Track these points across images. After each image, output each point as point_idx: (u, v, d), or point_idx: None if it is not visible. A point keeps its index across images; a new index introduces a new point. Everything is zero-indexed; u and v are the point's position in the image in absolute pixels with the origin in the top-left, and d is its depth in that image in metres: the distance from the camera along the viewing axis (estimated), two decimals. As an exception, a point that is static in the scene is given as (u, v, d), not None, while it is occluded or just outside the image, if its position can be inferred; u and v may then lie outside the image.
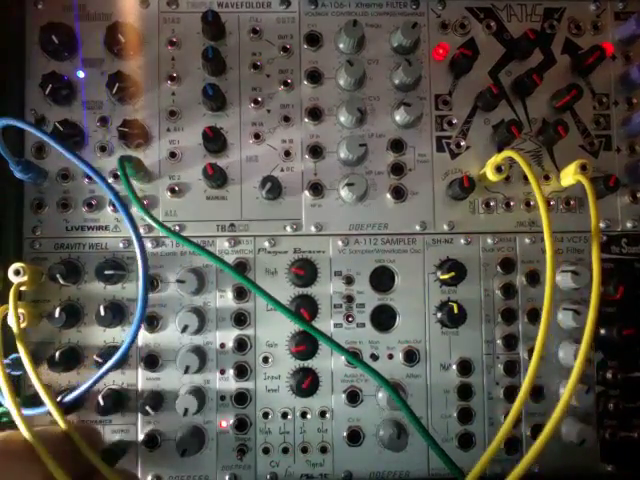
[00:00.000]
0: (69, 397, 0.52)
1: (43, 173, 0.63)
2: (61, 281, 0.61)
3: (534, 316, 0.65)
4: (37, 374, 0.50)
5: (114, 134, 0.64)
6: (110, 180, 0.65)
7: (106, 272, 0.62)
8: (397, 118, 0.65)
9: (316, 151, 0.66)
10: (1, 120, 0.50)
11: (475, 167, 0.67)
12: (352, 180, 0.63)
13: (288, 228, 0.65)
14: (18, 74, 0.65)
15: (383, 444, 0.63)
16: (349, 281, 0.65)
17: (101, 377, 0.51)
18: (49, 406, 0.48)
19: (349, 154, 0.62)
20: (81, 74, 0.65)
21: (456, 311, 0.62)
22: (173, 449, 0.62)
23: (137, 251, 0.49)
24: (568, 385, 0.46)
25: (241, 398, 0.64)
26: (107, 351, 0.62)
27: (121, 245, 0.65)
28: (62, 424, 0.47)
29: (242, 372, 0.64)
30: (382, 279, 0.66)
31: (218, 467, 0.64)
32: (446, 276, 0.63)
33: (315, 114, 0.66)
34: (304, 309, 0.62)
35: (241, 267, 0.65)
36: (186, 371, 0.61)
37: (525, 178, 0.65)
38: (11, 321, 0.59)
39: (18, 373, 0.60)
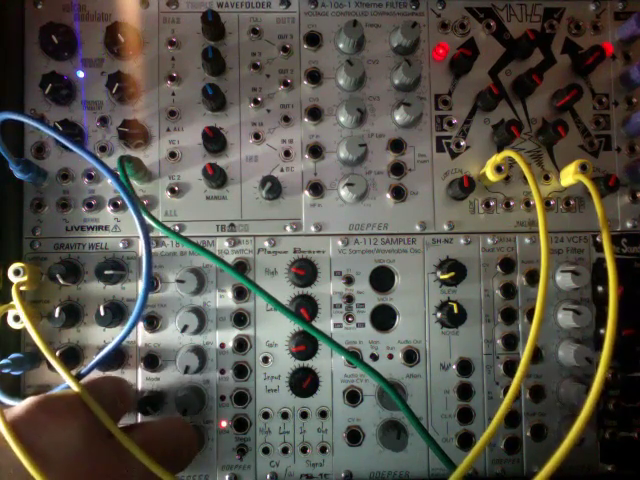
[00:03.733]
0: (85, 369, 0.52)
1: (43, 173, 0.63)
2: (61, 281, 0.61)
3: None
4: (56, 358, 0.49)
5: (114, 134, 0.64)
6: (109, 181, 0.65)
7: (106, 272, 0.62)
8: (397, 118, 0.65)
9: (316, 151, 0.66)
10: (1, 114, 0.49)
11: (475, 167, 0.67)
12: (352, 180, 0.63)
13: (288, 228, 0.65)
14: (18, 74, 0.65)
15: (383, 444, 0.63)
16: (349, 281, 0.65)
17: (118, 344, 0.51)
18: (67, 380, 0.48)
19: (349, 154, 0.62)
20: (81, 74, 0.65)
21: (456, 311, 0.62)
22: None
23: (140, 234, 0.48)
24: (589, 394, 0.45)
25: (241, 398, 0.64)
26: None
27: (121, 245, 0.65)
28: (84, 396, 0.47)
29: (242, 372, 0.64)
30: (382, 279, 0.66)
31: (218, 467, 0.64)
32: (446, 276, 0.62)
33: (315, 114, 0.66)
34: (304, 309, 0.62)
35: (241, 267, 0.65)
36: (186, 371, 0.61)
37: (525, 178, 0.65)
38: (12, 320, 0.59)
39: (18, 373, 0.60)
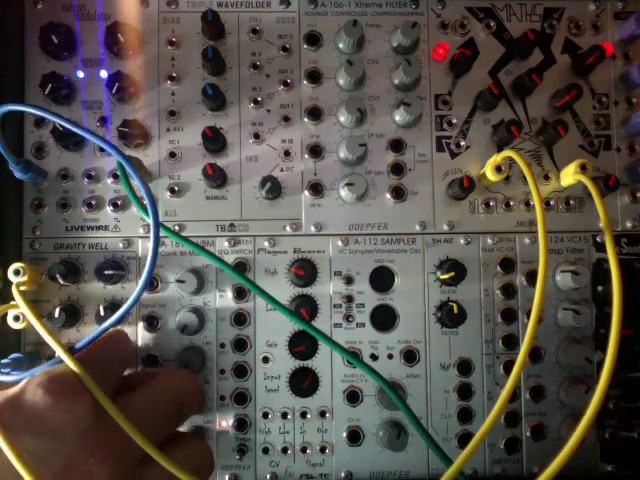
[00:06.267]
0: (80, 343, 0.50)
1: (43, 173, 0.63)
2: (61, 281, 0.61)
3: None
4: (58, 342, 0.48)
5: (114, 134, 0.64)
6: (109, 180, 0.65)
7: (106, 272, 0.62)
8: (397, 118, 0.65)
9: (316, 151, 0.66)
10: (2, 107, 0.48)
11: (475, 167, 0.67)
12: (352, 180, 0.63)
13: (288, 228, 0.65)
14: (18, 74, 0.65)
15: (383, 444, 0.63)
16: (349, 281, 0.65)
17: (117, 322, 0.49)
18: (68, 361, 0.47)
19: (349, 154, 0.62)
20: (81, 74, 0.65)
21: (456, 311, 0.62)
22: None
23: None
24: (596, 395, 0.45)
25: (241, 398, 0.64)
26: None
27: (121, 245, 0.65)
28: (76, 369, 0.46)
29: (242, 372, 0.64)
30: (382, 279, 0.66)
31: (218, 467, 0.64)
32: (446, 276, 0.63)
33: (315, 114, 0.66)
34: (304, 309, 0.62)
35: (241, 267, 0.65)
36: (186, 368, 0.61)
37: (525, 178, 0.65)
38: (11, 320, 0.59)
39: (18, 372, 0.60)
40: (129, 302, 0.47)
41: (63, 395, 0.44)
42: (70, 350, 0.48)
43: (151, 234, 0.45)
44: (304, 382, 0.63)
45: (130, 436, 0.44)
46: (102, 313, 0.61)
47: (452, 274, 0.62)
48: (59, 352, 0.46)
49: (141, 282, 0.47)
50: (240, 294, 0.64)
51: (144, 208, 0.55)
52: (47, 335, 0.48)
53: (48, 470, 0.41)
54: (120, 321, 0.49)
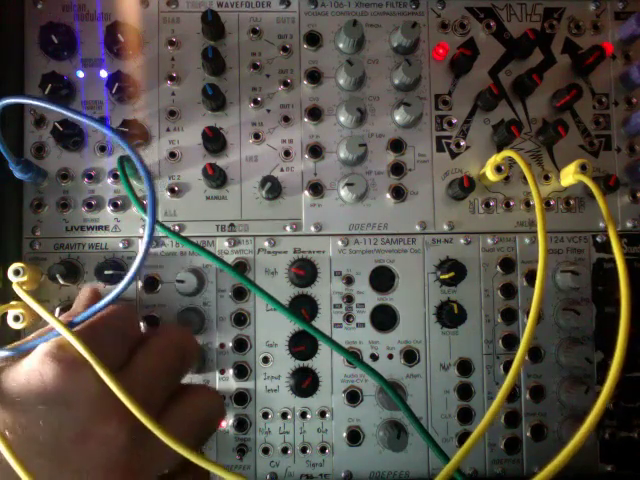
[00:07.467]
0: (80, 317, 0.49)
1: (43, 173, 0.63)
2: (61, 281, 0.61)
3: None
4: (60, 322, 0.46)
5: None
6: (109, 180, 0.65)
7: (106, 272, 0.62)
8: (397, 118, 0.65)
9: (316, 151, 0.66)
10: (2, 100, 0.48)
11: (475, 167, 0.67)
12: (352, 180, 0.63)
13: (288, 228, 0.65)
14: (18, 74, 0.65)
15: (383, 444, 0.63)
16: (349, 281, 0.65)
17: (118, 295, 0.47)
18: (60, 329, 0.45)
19: (349, 154, 0.62)
20: (81, 74, 0.65)
21: (456, 311, 0.62)
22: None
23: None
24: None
25: (241, 398, 0.64)
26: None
27: (121, 245, 0.65)
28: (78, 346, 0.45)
29: (242, 372, 0.64)
30: (382, 279, 0.66)
31: (218, 467, 0.64)
32: (446, 276, 0.62)
33: (315, 114, 0.66)
34: (304, 309, 0.62)
35: (241, 267, 0.65)
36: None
37: (525, 178, 0.65)
38: (11, 320, 0.59)
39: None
40: (129, 275, 0.45)
41: (72, 362, 0.43)
42: (69, 324, 0.47)
43: (148, 202, 0.43)
44: (304, 382, 0.63)
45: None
46: (102, 313, 0.61)
47: (452, 274, 0.62)
48: (57, 327, 0.45)
49: (143, 247, 0.44)
50: (240, 294, 0.64)
51: (144, 208, 0.55)
52: (44, 311, 0.47)
53: (65, 439, 0.41)
54: (117, 298, 0.47)
